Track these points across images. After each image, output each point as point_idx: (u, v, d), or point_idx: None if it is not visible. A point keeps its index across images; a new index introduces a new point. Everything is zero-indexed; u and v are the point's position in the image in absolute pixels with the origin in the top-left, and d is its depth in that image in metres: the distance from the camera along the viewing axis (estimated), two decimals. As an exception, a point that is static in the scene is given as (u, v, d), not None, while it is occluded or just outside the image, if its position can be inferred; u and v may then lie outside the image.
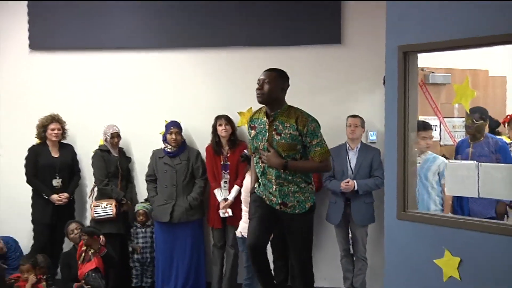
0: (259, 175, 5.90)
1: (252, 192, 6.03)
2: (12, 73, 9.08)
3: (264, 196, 5.83)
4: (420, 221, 5.89)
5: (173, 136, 8.11)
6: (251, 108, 8.28)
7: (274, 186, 5.72)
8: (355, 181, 7.53)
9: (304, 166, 5.77)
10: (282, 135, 5.60)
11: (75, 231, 7.86)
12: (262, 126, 5.72)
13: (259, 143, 5.71)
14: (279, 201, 5.74)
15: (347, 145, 7.82)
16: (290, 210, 5.75)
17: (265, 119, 5.71)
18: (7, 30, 9.12)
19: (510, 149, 6.71)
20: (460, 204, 6.54)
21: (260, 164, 5.83)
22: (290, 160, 5.63)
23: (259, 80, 5.63)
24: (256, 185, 5.96)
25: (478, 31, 5.41)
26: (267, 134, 5.65)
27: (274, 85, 5.61)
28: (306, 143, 5.63)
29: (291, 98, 7.81)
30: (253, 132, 5.83)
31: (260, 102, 5.67)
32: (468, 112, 6.54)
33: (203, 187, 8.29)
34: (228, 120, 8.16)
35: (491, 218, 6.20)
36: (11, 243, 8.57)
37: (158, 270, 8.32)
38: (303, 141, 5.65)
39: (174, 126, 8.15)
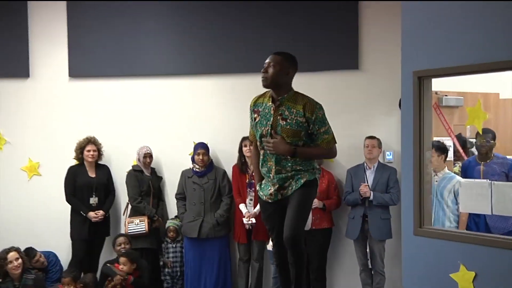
0: (260, 165, 5.39)
1: (258, 196, 5.55)
2: (52, 98, 9.07)
3: (265, 196, 5.32)
4: (436, 237, 5.81)
5: (201, 157, 8.11)
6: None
7: (272, 174, 5.22)
8: (371, 191, 7.47)
9: (312, 152, 5.27)
10: (288, 120, 5.07)
11: (122, 245, 8.01)
12: (266, 111, 5.17)
13: (263, 128, 5.17)
14: (277, 188, 5.22)
15: (365, 164, 7.75)
16: (289, 191, 5.23)
17: (270, 103, 5.17)
18: (48, 58, 9.10)
19: None
20: (475, 221, 6.44)
21: (261, 152, 5.32)
22: (299, 146, 5.12)
23: (265, 63, 5.15)
24: (258, 186, 5.46)
25: (489, 57, 5.36)
26: (271, 118, 5.12)
27: (279, 68, 5.08)
28: (314, 130, 5.13)
29: None
30: (256, 117, 5.28)
31: (264, 86, 5.18)
32: (481, 133, 6.47)
33: (229, 204, 8.24)
34: None
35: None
36: (51, 258, 8.53)
37: (187, 283, 8.24)
38: (310, 129, 5.14)
39: (201, 148, 8.16)
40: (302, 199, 5.15)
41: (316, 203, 7.60)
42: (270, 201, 5.26)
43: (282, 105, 5.07)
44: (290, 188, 5.19)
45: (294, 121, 5.03)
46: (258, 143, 5.29)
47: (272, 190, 5.22)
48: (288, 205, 5.16)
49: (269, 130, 5.07)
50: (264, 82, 5.08)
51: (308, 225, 7.14)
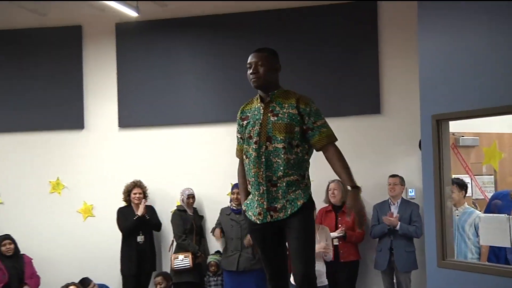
0: (247, 177, 4.33)
1: (244, 215, 4.45)
2: (104, 147, 9.14)
3: (253, 216, 4.25)
4: (459, 268, 5.73)
5: (236, 196, 8.03)
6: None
7: (261, 188, 4.16)
8: (399, 222, 7.31)
9: (347, 168, 4.17)
10: (280, 115, 4.19)
11: (158, 286, 7.95)
12: (256, 112, 4.31)
13: (250, 129, 4.25)
14: (266, 207, 4.17)
15: (390, 200, 7.63)
16: (282, 214, 4.19)
17: (259, 104, 4.34)
18: (100, 110, 9.20)
19: None
20: (496, 253, 6.24)
21: (247, 161, 4.29)
22: (349, 183, 4.06)
23: (249, 63, 4.35)
24: (244, 205, 4.41)
25: (502, 101, 5.32)
26: (261, 117, 4.24)
27: (268, 66, 4.32)
28: (309, 124, 4.17)
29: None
30: (244, 122, 4.38)
31: (256, 87, 4.34)
32: (497, 169, 6.38)
33: None
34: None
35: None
36: None
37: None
38: (305, 123, 4.20)
39: (237, 188, 7.87)
40: (305, 227, 4.22)
41: (340, 231, 7.54)
42: (258, 222, 4.21)
43: (273, 102, 4.29)
44: (283, 211, 4.18)
45: (286, 114, 4.19)
46: (244, 152, 4.34)
47: (261, 209, 4.19)
48: (289, 235, 4.25)
49: (258, 130, 4.17)
50: (257, 82, 4.29)
51: (330, 257, 7.10)
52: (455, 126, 6.31)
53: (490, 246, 6.18)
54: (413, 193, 7.66)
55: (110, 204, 8.55)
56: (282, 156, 4.09)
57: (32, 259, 8.66)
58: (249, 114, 4.34)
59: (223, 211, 8.27)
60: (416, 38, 6.39)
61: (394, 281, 7.46)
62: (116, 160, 8.94)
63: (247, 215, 4.29)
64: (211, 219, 8.50)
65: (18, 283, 8.30)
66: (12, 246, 8.43)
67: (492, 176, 6.84)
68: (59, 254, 8.93)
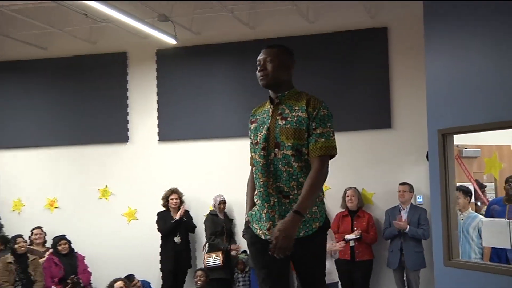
0: (256, 187, 3.42)
1: (246, 226, 3.46)
2: (145, 158, 9.20)
3: (258, 229, 3.31)
4: (463, 267, 5.69)
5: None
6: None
7: (272, 199, 3.26)
8: (408, 225, 7.26)
9: (309, 191, 3.12)
10: (288, 118, 3.27)
11: (199, 277, 8.00)
12: (265, 115, 3.42)
13: (259, 134, 3.35)
14: (278, 220, 3.19)
15: (400, 206, 7.55)
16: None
17: (269, 106, 3.45)
18: (142, 126, 9.27)
19: None
20: (498, 254, 6.15)
21: (255, 170, 3.42)
22: (296, 207, 3.05)
23: (258, 61, 3.45)
24: (247, 215, 3.46)
25: (502, 116, 5.27)
26: (269, 121, 3.34)
27: (278, 62, 3.39)
28: (310, 128, 3.23)
29: (353, 170, 8.11)
30: (252, 126, 3.49)
31: (264, 86, 3.43)
32: (497, 178, 6.32)
33: None
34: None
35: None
36: (146, 285, 8.59)
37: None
38: (309, 128, 3.27)
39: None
40: (319, 255, 3.37)
41: (355, 234, 7.48)
42: (263, 237, 3.27)
43: (282, 104, 3.38)
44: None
45: (295, 118, 3.27)
46: (253, 160, 3.46)
47: (271, 223, 3.25)
48: (299, 261, 3.32)
49: (265, 135, 3.28)
50: (264, 80, 3.40)
51: (337, 256, 6.98)
52: (459, 139, 6.27)
53: (492, 247, 6.12)
54: (421, 199, 7.60)
55: (151, 208, 8.59)
56: (293, 164, 3.21)
57: (84, 256, 8.76)
58: (258, 117, 3.48)
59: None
60: (423, 60, 6.33)
61: (405, 278, 7.40)
62: (156, 170, 8.97)
63: (251, 226, 3.38)
64: (240, 222, 8.42)
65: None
66: (67, 245, 8.53)
67: (493, 183, 6.77)
68: (107, 252, 8.99)
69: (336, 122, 8.14)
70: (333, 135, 3.26)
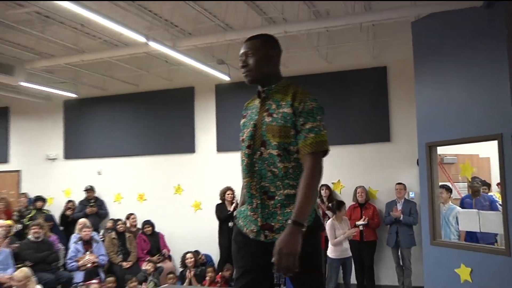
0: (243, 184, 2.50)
1: (234, 222, 2.55)
2: (206, 164, 9.24)
3: (246, 228, 2.38)
4: (444, 246, 5.72)
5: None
6: (339, 180, 8.23)
7: (255, 201, 2.34)
8: (402, 214, 7.26)
9: (304, 198, 2.14)
10: (274, 115, 2.34)
11: None
12: (254, 111, 2.47)
13: (245, 131, 2.43)
14: (260, 224, 2.31)
15: (396, 200, 7.53)
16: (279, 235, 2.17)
17: (258, 101, 2.49)
18: (204, 140, 9.31)
19: (497, 203, 6.33)
20: (470, 236, 6.18)
21: (241, 168, 2.47)
22: (294, 216, 2.09)
23: (240, 56, 2.46)
24: (237, 211, 2.53)
25: (473, 133, 5.31)
26: (256, 117, 2.41)
27: (260, 55, 2.42)
28: (298, 125, 2.28)
29: (362, 173, 8.07)
30: (242, 121, 2.54)
31: (249, 82, 2.47)
32: (470, 179, 6.30)
33: None
34: (327, 187, 7.96)
35: (492, 244, 5.84)
36: (208, 258, 8.65)
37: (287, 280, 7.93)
38: (296, 124, 2.31)
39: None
40: (310, 257, 2.27)
41: (363, 220, 7.45)
42: (251, 236, 2.35)
43: (269, 99, 2.42)
44: (278, 233, 2.24)
45: (280, 115, 2.33)
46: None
47: (254, 227, 2.34)
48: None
49: (251, 132, 2.37)
50: (248, 76, 2.45)
51: (347, 251, 6.75)
52: (441, 150, 6.25)
53: (466, 231, 6.12)
54: (413, 195, 7.56)
55: (211, 201, 8.62)
56: (279, 164, 2.29)
57: (164, 235, 9.00)
58: (249, 111, 2.51)
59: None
60: (414, 91, 6.26)
61: (399, 254, 7.38)
62: (214, 173, 8.97)
63: (237, 222, 2.46)
64: None
65: (155, 251, 8.58)
66: (151, 228, 8.76)
67: (466, 183, 6.79)
68: (180, 233, 9.04)
69: (348, 137, 8.26)
70: (324, 129, 2.30)
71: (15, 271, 6.47)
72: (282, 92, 2.39)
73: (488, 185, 6.96)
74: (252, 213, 2.36)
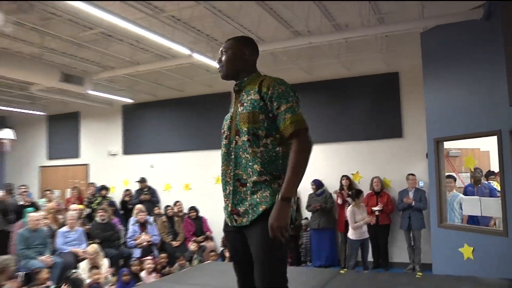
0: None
1: None
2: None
3: (226, 215, 2.32)
4: (450, 228, 5.76)
5: (314, 186, 7.97)
6: (357, 172, 8.16)
7: (228, 188, 2.26)
8: (413, 201, 7.19)
9: (291, 174, 2.03)
10: (244, 104, 2.22)
11: None
12: (232, 105, 2.35)
13: (225, 124, 2.33)
14: (230, 209, 2.25)
15: (408, 188, 7.44)
16: (245, 220, 2.18)
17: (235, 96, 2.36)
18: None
19: (496, 191, 6.20)
20: (472, 219, 6.06)
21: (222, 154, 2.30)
22: (281, 192, 2.02)
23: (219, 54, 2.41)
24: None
25: (475, 129, 5.35)
26: (232, 109, 2.31)
27: (231, 53, 2.32)
28: (273, 110, 2.15)
29: (378, 165, 7.95)
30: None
31: (222, 78, 2.39)
32: (473, 170, 6.26)
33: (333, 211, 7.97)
34: (347, 177, 7.96)
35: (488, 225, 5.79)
36: None
37: (313, 253, 8.04)
38: (269, 110, 2.16)
39: (314, 184, 7.96)
40: (264, 240, 2.07)
41: (378, 206, 7.39)
42: (228, 224, 2.32)
43: (242, 91, 2.29)
44: (246, 216, 2.17)
45: (248, 102, 2.21)
46: None
47: (226, 212, 2.30)
48: (251, 247, 2.17)
49: (229, 124, 2.27)
50: (221, 72, 2.38)
51: (365, 233, 6.77)
52: (447, 144, 6.22)
53: (469, 215, 6.06)
54: (422, 184, 7.42)
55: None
56: (248, 149, 2.15)
57: (206, 219, 8.95)
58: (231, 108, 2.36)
59: (309, 195, 8.06)
60: (423, 93, 6.32)
61: (411, 235, 7.31)
62: None
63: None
64: (304, 199, 8.21)
65: (200, 232, 8.59)
66: (195, 213, 8.78)
67: (469, 173, 6.71)
68: (220, 217, 8.97)
69: (365, 134, 8.22)
70: (298, 108, 2.14)
71: (87, 246, 6.80)
72: (252, 83, 2.27)
73: (494, 173, 6.86)
74: (225, 199, 2.26)
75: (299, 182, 2.06)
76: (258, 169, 2.13)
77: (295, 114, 2.11)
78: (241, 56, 2.32)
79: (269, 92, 2.14)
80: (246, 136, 2.15)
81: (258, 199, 2.12)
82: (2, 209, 8.13)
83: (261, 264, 2.10)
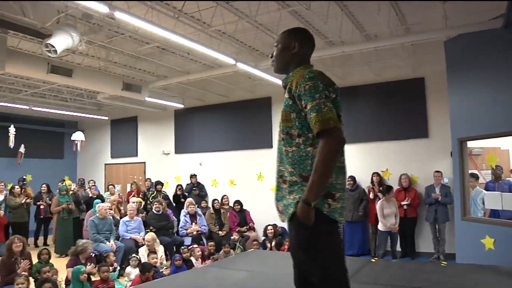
0: None
1: None
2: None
3: None
4: (473, 221, 5.70)
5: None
6: (387, 169, 8.13)
7: (275, 183, 2.06)
8: (440, 196, 7.15)
9: (313, 176, 1.78)
10: (284, 101, 2.02)
11: None
12: None
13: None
14: (275, 205, 2.06)
15: (434, 184, 7.38)
16: (283, 218, 2.00)
17: None
18: (277, 137, 9.21)
19: None
20: (494, 213, 5.93)
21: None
22: (304, 194, 1.81)
23: None
24: None
25: (497, 129, 5.27)
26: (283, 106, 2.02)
27: (281, 46, 2.11)
28: (303, 109, 1.88)
29: (406, 162, 7.83)
30: None
31: (274, 71, 2.20)
32: (494, 167, 6.17)
33: (366, 206, 7.93)
34: (378, 174, 7.94)
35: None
36: (284, 230, 8.30)
37: (346, 243, 8.00)
38: (300, 108, 1.90)
39: (351, 180, 7.94)
40: (298, 243, 1.92)
41: (406, 201, 7.32)
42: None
43: (287, 87, 2.01)
44: (283, 215, 2.00)
45: (284, 100, 2.01)
46: None
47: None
48: (291, 250, 2.05)
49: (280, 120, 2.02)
50: (273, 67, 2.18)
51: (397, 227, 6.78)
52: (470, 144, 6.12)
53: (491, 209, 5.94)
54: (447, 180, 7.30)
55: None
56: (283, 148, 1.98)
57: (249, 212, 8.98)
58: None
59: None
60: (447, 96, 6.26)
61: (436, 228, 7.26)
62: None
63: None
64: None
65: (243, 223, 8.65)
66: (240, 206, 8.82)
67: (490, 170, 6.57)
68: (262, 210, 8.58)
69: (394, 135, 8.16)
70: (325, 106, 1.82)
71: (145, 234, 7.16)
72: (294, 78, 1.97)
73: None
74: (274, 194, 2.05)
75: (324, 183, 1.80)
76: (289, 169, 1.93)
77: (320, 113, 1.81)
78: (289, 49, 2.08)
79: (297, 90, 1.89)
80: (282, 135, 1.98)
81: (291, 200, 1.92)
82: (76, 200, 8.75)
83: (301, 265, 1.93)
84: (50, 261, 5.89)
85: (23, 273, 5.11)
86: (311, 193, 1.79)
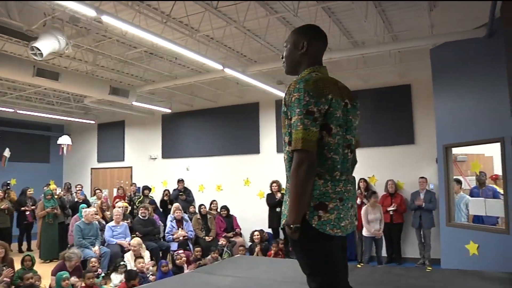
0: None
1: None
2: (267, 163, 9.09)
3: None
4: (457, 226, 5.76)
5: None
6: (373, 175, 8.14)
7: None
8: (424, 202, 7.16)
9: (290, 202, 1.72)
10: None
11: None
12: None
13: None
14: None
15: (419, 190, 7.41)
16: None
17: None
18: (265, 142, 9.23)
19: (499, 193, 6.12)
20: (478, 218, 5.99)
21: None
22: (289, 217, 1.74)
23: None
24: None
25: (480, 136, 5.33)
26: None
27: (289, 46, 1.98)
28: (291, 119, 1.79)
29: (392, 169, 7.84)
30: None
31: (286, 73, 2.06)
32: (478, 174, 6.23)
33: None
34: (364, 180, 7.90)
35: (494, 225, 5.72)
36: (270, 235, 8.41)
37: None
38: (290, 117, 1.79)
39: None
40: (296, 250, 1.83)
41: (392, 206, 7.36)
42: None
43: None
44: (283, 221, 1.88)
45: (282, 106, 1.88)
46: None
47: None
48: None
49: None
50: (284, 68, 2.05)
51: (380, 233, 6.77)
52: (455, 150, 6.19)
53: (474, 215, 6.00)
54: (432, 186, 7.36)
55: (267, 191, 8.52)
56: (284, 155, 1.90)
57: (236, 217, 8.97)
58: None
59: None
60: (433, 103, 6.33)
61: (421, 233, 7.30)
62: (275, 169, 8.48)
63: None
64: None
65: (230, 229, 8.62)
66: (226, 211, 8.78)
67: (474, 177, 6.64)
68: (248, 216, 8.98)
69: (380, 141, 8.14)
70: (301, 124, 1.71)
71: (131, 239, 7.04)
72: (292, 84, 1.84)
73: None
74: None
75: (300, 205, 1.70)
76: (287, 175, 1.84)
77: (296, 131, 1.71)
78: (297, 49, 1.95)
79: (289, 100, 1.79)
80: (283, 140, 1.88)
81: (286, 211, 1.82)
82: (61, 204, 8.59)
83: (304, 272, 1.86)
84: (34, 267, 5.75)
85: (5, 279, 4.98)
86: (291, 215, 1.72)
